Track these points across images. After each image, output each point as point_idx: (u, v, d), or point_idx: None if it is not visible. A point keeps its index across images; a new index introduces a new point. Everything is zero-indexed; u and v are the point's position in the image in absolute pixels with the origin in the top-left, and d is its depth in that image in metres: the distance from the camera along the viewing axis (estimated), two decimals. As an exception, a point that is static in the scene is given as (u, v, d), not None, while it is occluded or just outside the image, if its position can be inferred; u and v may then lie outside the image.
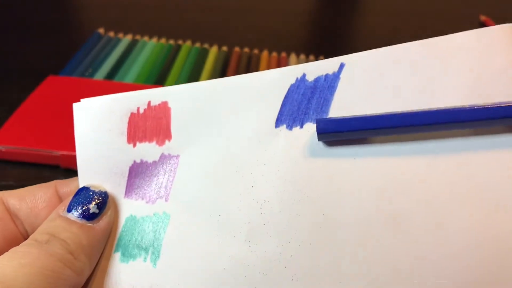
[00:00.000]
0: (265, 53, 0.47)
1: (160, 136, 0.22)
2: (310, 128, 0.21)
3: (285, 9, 0.60)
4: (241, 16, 0.57)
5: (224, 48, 0.47)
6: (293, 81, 0.22)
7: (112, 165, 0.22)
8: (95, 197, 0.20)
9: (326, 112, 0.21)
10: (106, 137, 0.22)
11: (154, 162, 0.22)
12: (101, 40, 0.46)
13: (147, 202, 0.22)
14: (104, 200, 0.20)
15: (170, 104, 0.23)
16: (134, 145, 0.22)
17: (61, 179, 0.31)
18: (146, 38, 0.47)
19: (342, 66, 0.22)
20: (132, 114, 0.23)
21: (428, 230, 0.19)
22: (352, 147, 0.21)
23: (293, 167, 0.21)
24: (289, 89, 0.22)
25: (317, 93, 0.22)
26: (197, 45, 0.47)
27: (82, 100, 0.23)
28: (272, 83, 0.22)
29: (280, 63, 0.45)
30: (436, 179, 0.20)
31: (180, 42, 0.47)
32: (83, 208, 0.19)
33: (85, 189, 0.20)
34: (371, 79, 0.21)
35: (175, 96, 0.23)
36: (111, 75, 0.41)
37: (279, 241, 0.20)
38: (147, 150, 0.22)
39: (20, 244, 0.17)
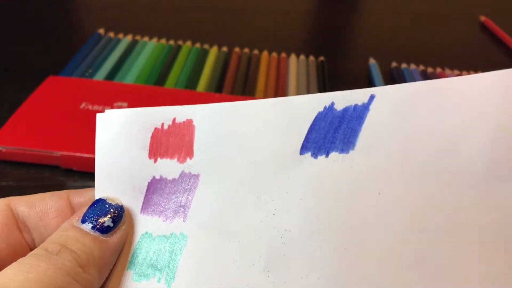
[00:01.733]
0: (265, 54, 0.47)
1: (182, 153, 0.22)
2: (336, 157, 0.21)
3: (285, 10, 0.60)
4: (241, 17, 0.57)
5: (224, 49, 0.47)
6: (321, 109, 0.22)
7: (131, 179, 0.21)
8: (111, 210, 0.19)
9: (353, 142, 0.21)
10: (128, 150, 0.22)
11: (174, 179, 0.22)
12: (101, 41, 0.46)
13: (164, 221, 0.21)
14: (120, 214, 0.19)
15: (195, 122, 0.22)
16: (155, 161, 0.22)
17: (61, 179, 0.31)
18: (146, 39, 0.47)
19: (372, 97, 0.22)
20: (156, 129, 0.22)
21: (450, 273, 0.19)
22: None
23: (316, 197, 0.21)
24: (316, 117, 0.22)
25: (344, 123, 0.21)
26: (197, 45, 0.47)
27: (106, 111, 0.23)
28: (299, 109, 0.22)
29: (280, 64, 0.45)
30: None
31: (180, 42, 0.47)
32: (98, 221, 0.19)
33: (101, 201, 0.19)
34: (401, 114, 0.21)
35: (201, 114, 0.22)
36: (111, 75, 0.41)
37: (298, 273, 0.20)
38: (168, 167, 0.22)
39: (29, 254, 0.16)
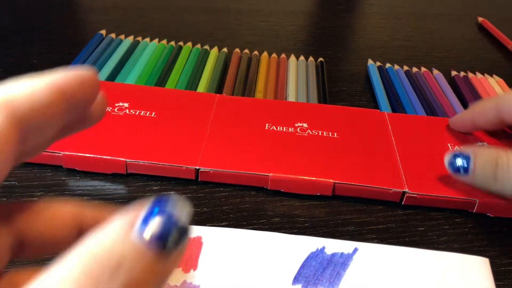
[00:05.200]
0: (264, 55, 0.47)
1: (187, 264, 0.25)
2: None
3: (284, 11, 0.60)
4: (240, 18, 0.57)
5: (224, 50, 0.47)
6: (313, 249, 0.26)
7: None
8: (179, 226, 0.13)
9: (338, 284, 0.25)
10: None
11: (176, 286, 0.24)
12: (103, 42, 0.47)
13: None
14: (186, 232, 0.13)
15: (203, 240, 0.26)
16: None
17: (63, 178, 0.32)
18: (147, 40, 0.48)
19: (355, 250, 0.26)
20: None
21: None
22: None
23: None
24: (308, 255, 0.26)
25: (332, 266, 0.26)
26: (198, 46, 0.48)
27: None
28: (295, 247, 0.26)
29: (279, 65, 0.46)
30: None
31: (181, 43, 0.48)
32: (161, 238, 0.12)
33: (167, 207, 0.13)
34: (376, 268, 0.26)
35: (210, 235, 0.26)
36: (113, 76, 0.41)
37: None
38: (172, 273, 0.24)
39: (75, 266, 0.11)
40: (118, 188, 0.31)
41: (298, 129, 0.35)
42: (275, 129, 0.35)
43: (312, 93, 0.41)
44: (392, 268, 0.26)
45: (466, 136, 0.36)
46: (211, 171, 0.31)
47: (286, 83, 0.43)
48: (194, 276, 0.25)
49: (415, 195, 0.31)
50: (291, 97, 0.41)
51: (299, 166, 0.32)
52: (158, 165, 0.31)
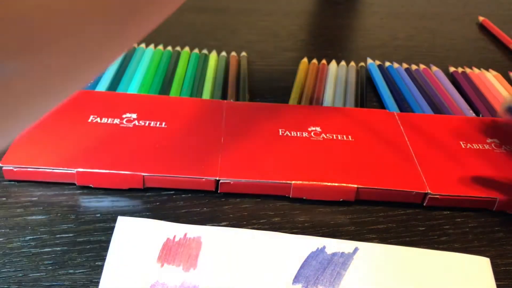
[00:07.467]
0: (304, 60, 0.46)
1: (187, 263, 0.25)
2: None
3: (284, 10, 0.60)
4: (240, 17, 0.57)
5: (223, 54, 0.47)
6: (314, 249, 0.26)
7: (136, 278, 0.24)
8: None
9: (338, 283, 0.25)
10: (139, 252, 0.25)
11: (175, 286, 0.24)
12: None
13: None
14: None
15: (202, 239, 0.26)
16: (162, 265, 0.25)
17: (78, 196, 0.30)
18: (143, 46, 0.46)
19: (356, 249, 0.27)
20: (168, 239, 0.26)
21: None
22: None
23: None
24: (309, 255, 0.26)
25: (332, 265, 0.26)
26: (196, 51, 0.46)
27: (127, 217, 0.26)
28: (296, 246, 0.26)
29: (319, 71, 0.45)
30: None
31: (178, 48, 0.46)
32: None
33: None
34: (377, 268, 0.26)
35: (209, 235, 0.26)
36: (113, 85, 0.40)
37: None
38: (172, 273, 0.25)
39: None
40: (136, 203, 0.30)
41: (312, 134, 0.34)
42: (289, 134, 0.34)
43: (350, 98, 0.41)
44: (392, 268, 0.26)
45: (476, 134, 0.36)
46: (232, 182, 0.30)
47: (323, 89, 0.42)
48: (193, 276, 0.24)
49: (437, 196, 0.31)
50: (328, 103, 0.40)
51: (320, 172, 0.31)
52: (178, 178, 0.30)
